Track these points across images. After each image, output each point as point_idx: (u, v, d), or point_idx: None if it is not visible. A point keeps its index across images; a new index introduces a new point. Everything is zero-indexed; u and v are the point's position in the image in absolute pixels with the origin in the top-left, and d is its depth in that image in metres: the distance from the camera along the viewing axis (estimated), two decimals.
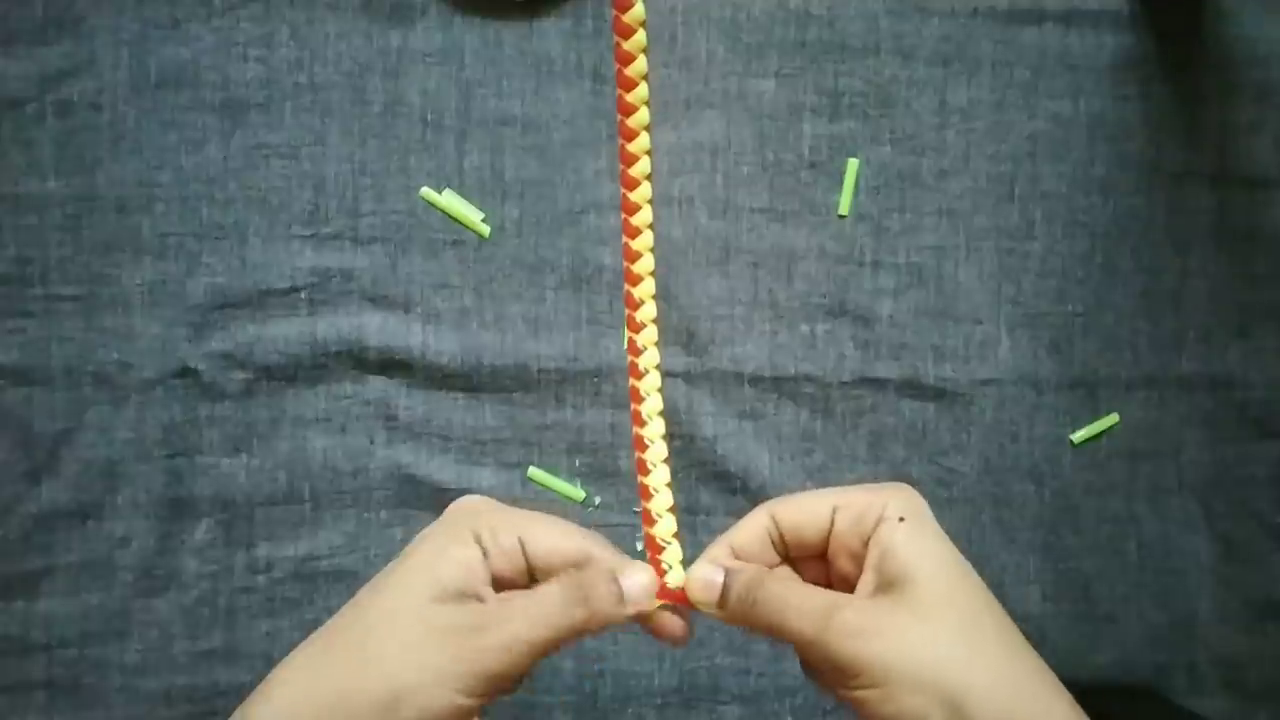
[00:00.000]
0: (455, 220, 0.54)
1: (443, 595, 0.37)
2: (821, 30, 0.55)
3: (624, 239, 0.49)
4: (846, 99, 0.56)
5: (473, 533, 0.39)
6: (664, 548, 0.45)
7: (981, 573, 0.56)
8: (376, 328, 0.54)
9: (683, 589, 0.41)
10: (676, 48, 0.55)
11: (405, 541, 0.54)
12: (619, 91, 0.48)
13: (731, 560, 0.41)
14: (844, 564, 0.40)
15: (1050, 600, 0.56)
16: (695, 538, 0.54)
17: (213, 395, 0.54)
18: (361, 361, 0.54)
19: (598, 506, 0.55)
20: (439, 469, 0.55)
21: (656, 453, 0.47)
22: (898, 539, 0.38)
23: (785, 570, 0.41)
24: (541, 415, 0.55)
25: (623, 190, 0.49)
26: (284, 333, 0.54)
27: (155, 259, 0.53)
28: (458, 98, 0.55)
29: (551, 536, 0.40)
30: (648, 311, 0.48)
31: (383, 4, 0.54)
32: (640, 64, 0.47)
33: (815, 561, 0.41)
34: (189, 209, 0.53)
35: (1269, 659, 0.56)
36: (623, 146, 0.48)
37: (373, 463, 0.55)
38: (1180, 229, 0.56)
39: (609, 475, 0.55)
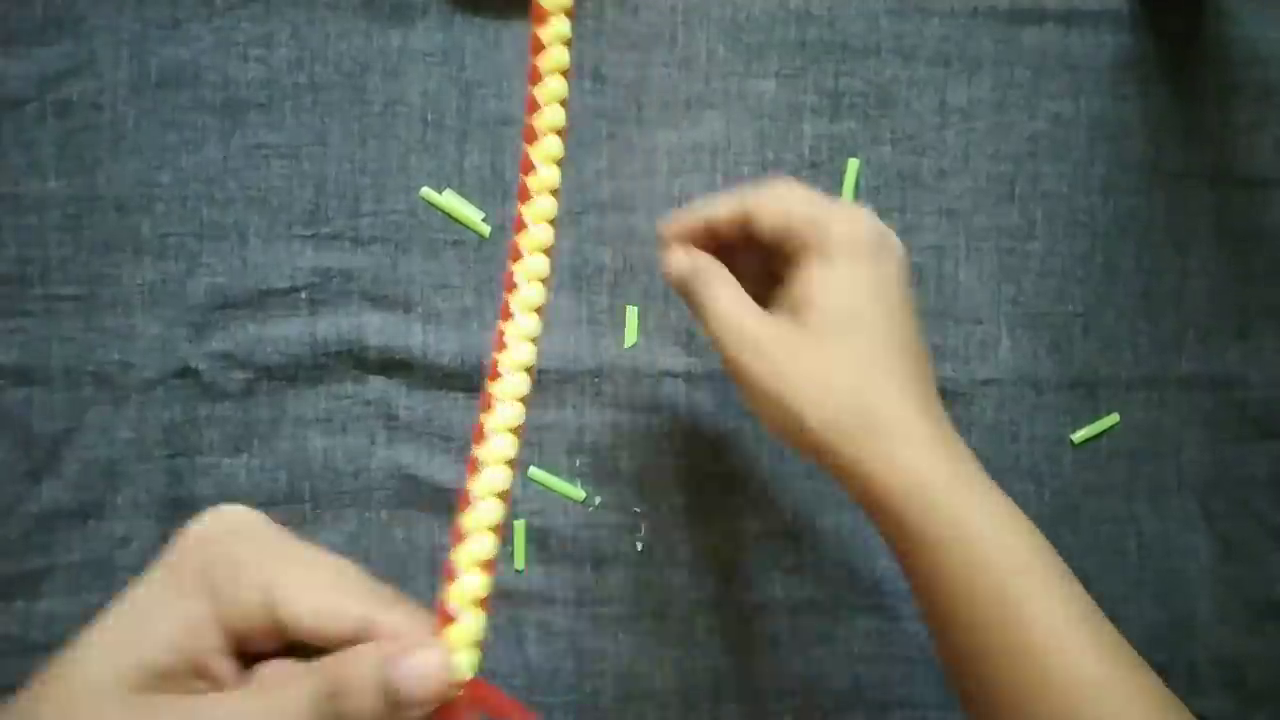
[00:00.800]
0: (455, 220, 0.54)
1: (145, 678, 0.27)
2: (822, 30, 0.56)
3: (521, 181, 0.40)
4: (847, 99, 0.56)
5: (204, 578, 0.28)
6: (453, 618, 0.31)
7: None
8: (376, 328, 0.54)
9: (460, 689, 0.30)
10: (676, 48, 0.55)
11: (406, 541, 0.54)
12: (526, 118, 0.39)
13: (691, 242, 0.45)
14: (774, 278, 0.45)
15: None
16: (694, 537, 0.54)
17: (213, 395, 0.54)
18: (362, 361, 0.54)
19: (599, 506, 0.55)
20: (439, 469, 0.55)
21: (498, 449, 0.34)
22: (816, 273, 0.42)
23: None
24: (541, 415, 0.55)
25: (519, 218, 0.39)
26: (284, 333, 0.54)
27: (155, 259, 0.53)
28: (458, 98, 0.55)
29: (313, 596, 0.29)
30: (534, 267, 0.38)
31: (383, 4, 0.54)
32: (558, 86, 0.39)
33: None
34: (189, 209, 0.53)
35: (1269, 659, 0.56)
36: (523, 183, 0.39)
37: (373, 463, 0.55)
38: (1180, 229, 0.56)
39: (609, 475, 0.55)
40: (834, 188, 0.56)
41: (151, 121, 0.53)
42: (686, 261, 0.45)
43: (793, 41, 0.56)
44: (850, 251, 0.42)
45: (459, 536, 0.32)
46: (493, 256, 0.55)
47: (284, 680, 0.29)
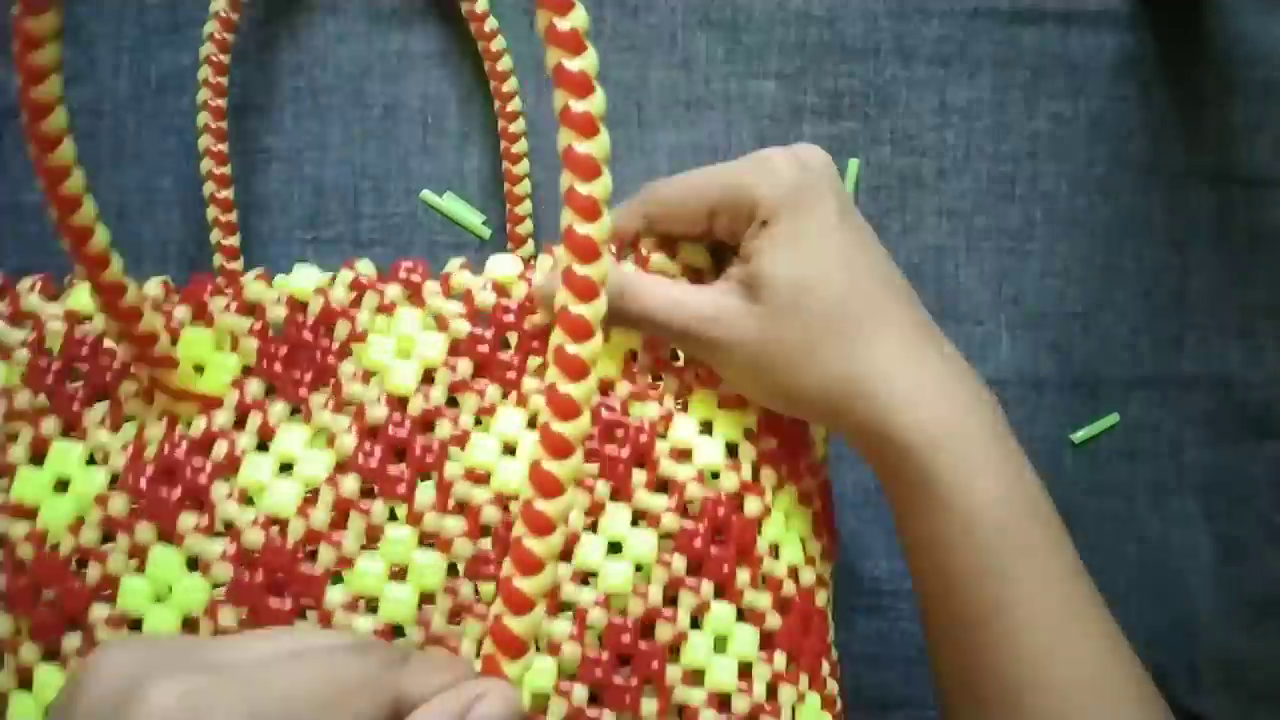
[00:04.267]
0: (456, 223, 0.55)
1: None
2: (821, 31, 0.55)
3: None
4: (846, 100, 0.56)
5: None
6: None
7: None
8: None
9: None
10: (676, 49, 0.55)
11: None
12: None
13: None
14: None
15: None
16: None
17: None
18: None
19: None
20: None
21: None
22: (753, 246, 0.39)
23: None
24: None
25: None
26: None
27: (157, 264, 0.53)
28: (458, 100, 0.55)
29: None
30: None
31: (383, 7, 0.54)
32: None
33: None
34: (190, 214, 0.53)
35: (1269, 659, 0.57)
36: None
37: None
38: (1180, 229, 0.56)
39: None
40: None
41: (152, 127, 0.53)
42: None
43: (792, 42, 0.55)
44: (782, 209, 0.39)
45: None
46: None
47: None
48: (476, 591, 0.38)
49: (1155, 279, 0.56)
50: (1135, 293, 0.56)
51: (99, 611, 0.37)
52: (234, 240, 0.50)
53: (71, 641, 0.37)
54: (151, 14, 0.53)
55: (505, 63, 0.52)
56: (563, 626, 0.38)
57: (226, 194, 0.50)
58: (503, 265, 0.41)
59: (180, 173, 0.53)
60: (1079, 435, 0.56)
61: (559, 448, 0.27)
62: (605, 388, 0.41)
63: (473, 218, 0.54)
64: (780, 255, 0.39)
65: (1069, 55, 0.56)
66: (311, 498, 0.39)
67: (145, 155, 0.53)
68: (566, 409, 0.27)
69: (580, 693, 0.38)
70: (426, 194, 0.54)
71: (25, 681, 0.38)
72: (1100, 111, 0.56)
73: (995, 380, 0.56)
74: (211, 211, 0.50)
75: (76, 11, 0.52)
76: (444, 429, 0.39)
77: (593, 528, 0.39)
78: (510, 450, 0.39)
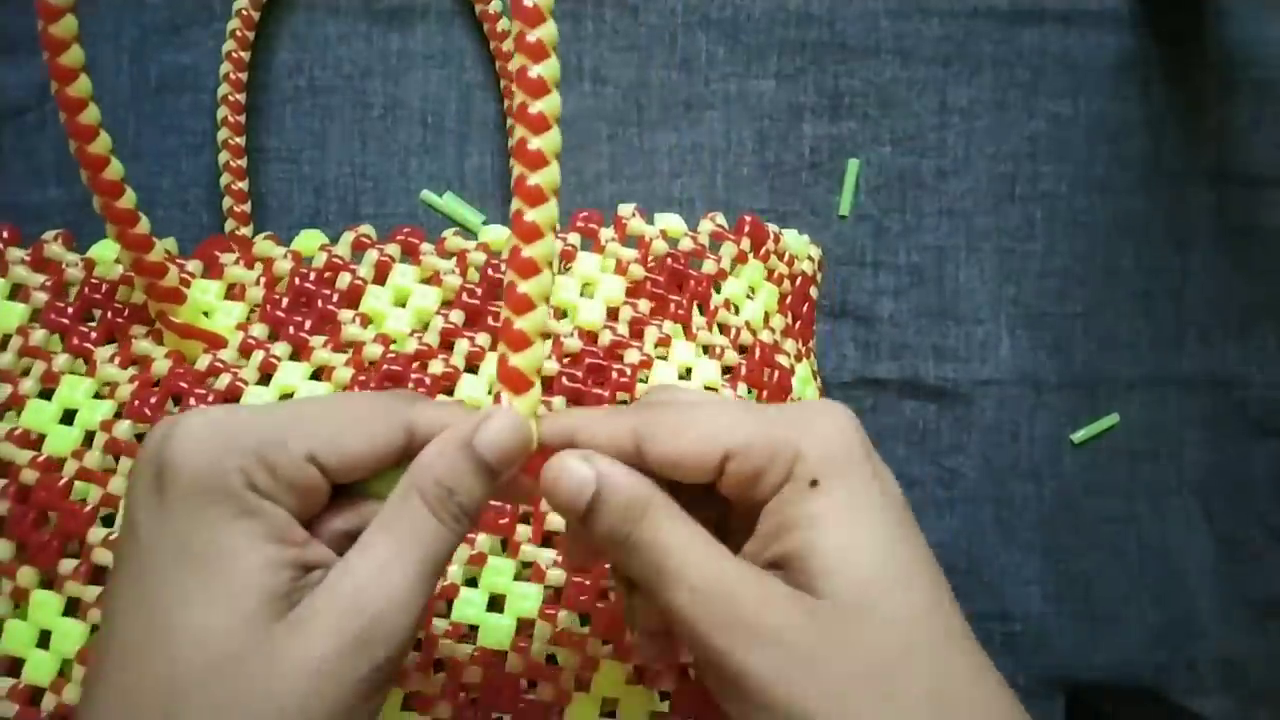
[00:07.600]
0: (455, 222, 0.54)
1: (274, 607, 0.26)
2: (822, 31, 0.55)
3: None
4: (847, 99, 0.56)
5: (247, 480, 0.26)
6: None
7: (981, 573, 0.56)
8: None
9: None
10: (676, 49, 0.55)
11: None
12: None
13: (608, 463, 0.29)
14: (734, 519, 0.31)
15: (1050, 600, 0.56)
16: None
17: None
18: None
19: None
20: None
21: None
22: (804, 515, 0.28)
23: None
24: None
25: None
26: None
27: None
28: (458, 100, 0.55)
29: (359, 435, 0.28)
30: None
31: (383, 7, 0.54)
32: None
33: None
34: (190, 214, 0.53)
35: (1269, 659, 0.57)
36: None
37: None
38: (1180, 229, 0.56)
39: None
40: (834, 188, 0.56)
41: (152, 127, 0.53)
42: (590, 470, 0.29)
43: (793, 42, 0.55)
44: (843, 474, 0.29)
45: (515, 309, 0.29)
46: None
47: (380, 511, 0.28)
48: None
49: (1155, 279, 0.56)
50: (1135, 293, 0.56)
51: (97, 533, 0.38)
52: (248, 231, 0.51)
53: (68, 565, 0.38)
54: (151, 14, 0.53)
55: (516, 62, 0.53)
56: None
57: (242, 186, 0.51)
58: (494, 232, 0.44)
59: (179, 171, 0.53)
60: (1079, 435, 0.56)
61: (536, 198, 0.29)
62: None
63: (472, 217, 0.54)
64: (847, 534, 0.28)
65: (1069, 55, 0.56)
66: None
67: (145, 155, 0.53)
68: (537, 160, 0.29)
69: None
70: (426, 194, 0.54)
71: (20, 608, 0.39)
72: (1100, 111, 0.56)
73: (995, 380, 0.56)
74: (227, 202, 0.51)
75: (76, 11, 0.52)
76: (436, 367, 0.41)
77: None
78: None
